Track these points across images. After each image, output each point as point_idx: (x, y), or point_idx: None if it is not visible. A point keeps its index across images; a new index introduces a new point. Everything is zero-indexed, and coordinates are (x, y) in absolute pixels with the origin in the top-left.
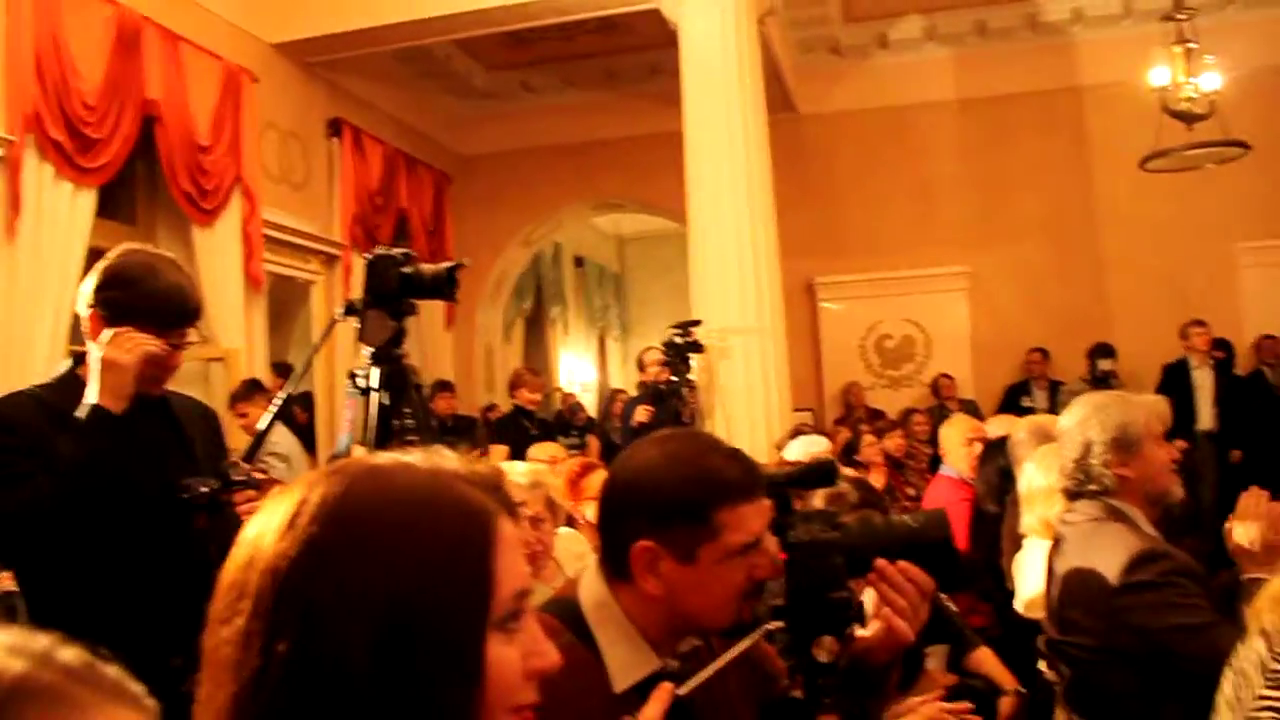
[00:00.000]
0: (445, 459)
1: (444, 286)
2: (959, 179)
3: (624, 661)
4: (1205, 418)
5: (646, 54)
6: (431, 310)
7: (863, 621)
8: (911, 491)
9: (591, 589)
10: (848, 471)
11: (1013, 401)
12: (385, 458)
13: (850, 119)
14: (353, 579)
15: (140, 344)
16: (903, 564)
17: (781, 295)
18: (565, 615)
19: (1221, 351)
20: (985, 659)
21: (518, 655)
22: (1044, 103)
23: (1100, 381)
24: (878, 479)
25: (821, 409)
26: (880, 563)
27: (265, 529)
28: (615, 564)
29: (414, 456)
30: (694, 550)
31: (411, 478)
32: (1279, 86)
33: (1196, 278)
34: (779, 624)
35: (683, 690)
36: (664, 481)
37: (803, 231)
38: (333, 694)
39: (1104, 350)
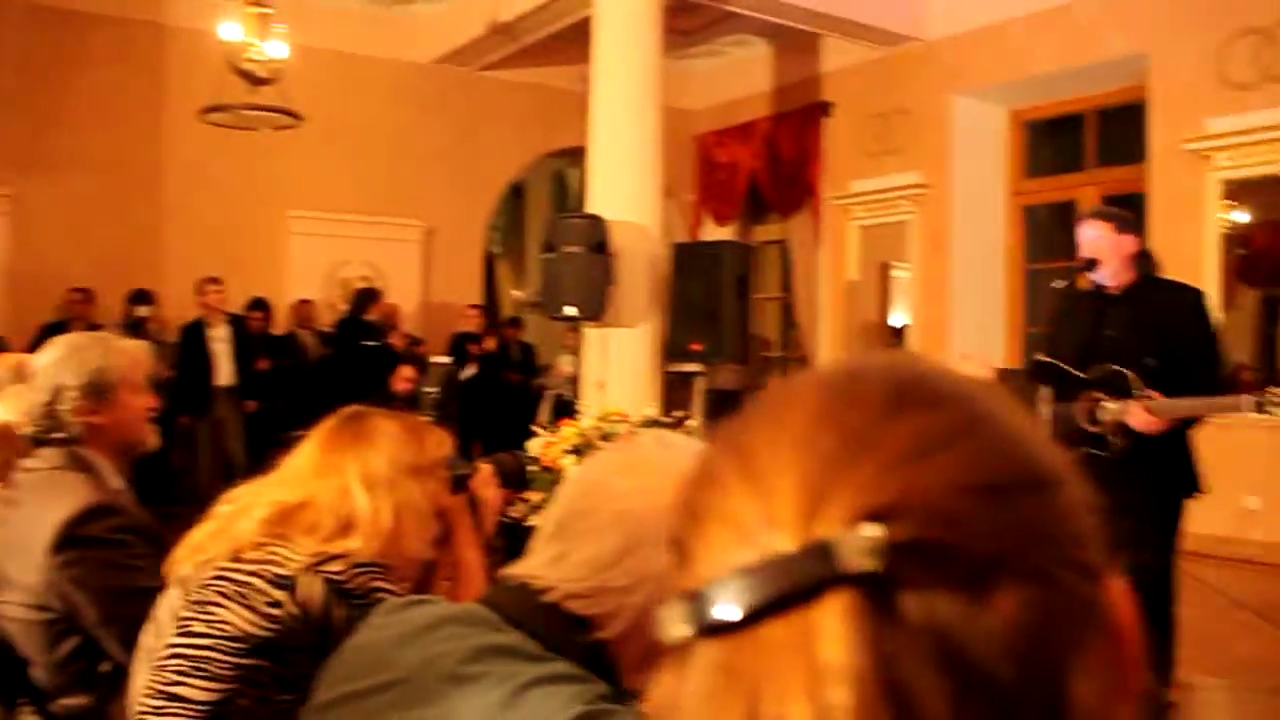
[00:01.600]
0: None
1: None
2: (13, 90)
3: None
4: (225, 373)
5: None
6: None
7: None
8: None
9: None
10: None
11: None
12: None
13: None
14: None
15: None
16: None
17: None
18: None
19: (259, 311)
20: None
21: None
22: (125, 31)
23: (133, 327)
24: None
25: None
26: None
27: None
28: None
29: None
30: None
31: None
32: (337, 69)
33: (250, 237)
34: None
35: None
36: None
37: None
38: None
39: (142, 296)
